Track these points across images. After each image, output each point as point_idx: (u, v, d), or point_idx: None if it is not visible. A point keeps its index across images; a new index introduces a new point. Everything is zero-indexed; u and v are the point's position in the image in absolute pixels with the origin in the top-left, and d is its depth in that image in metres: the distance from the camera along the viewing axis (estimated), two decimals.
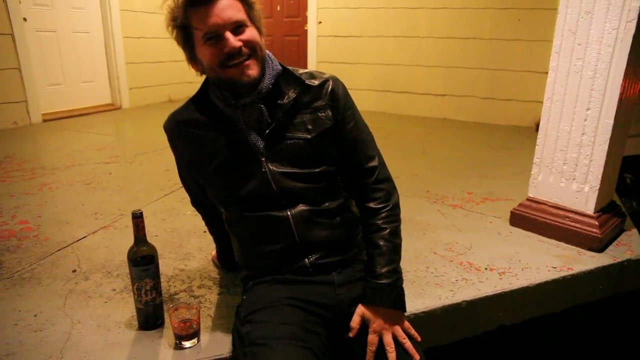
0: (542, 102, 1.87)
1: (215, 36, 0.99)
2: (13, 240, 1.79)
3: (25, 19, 3.88)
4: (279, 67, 1.11)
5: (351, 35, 4.79)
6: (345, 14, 4.77)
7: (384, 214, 1.13)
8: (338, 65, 4.83)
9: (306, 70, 1.15)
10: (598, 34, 1.64)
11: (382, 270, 1.07)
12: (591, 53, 1.67)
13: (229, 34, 0.98)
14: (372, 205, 1.14)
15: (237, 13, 1.00)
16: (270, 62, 1.09)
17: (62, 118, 4.22)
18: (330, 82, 1.13)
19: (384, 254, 1.09)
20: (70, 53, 4.40)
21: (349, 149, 1.14)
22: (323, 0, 4.83)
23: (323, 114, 1.11)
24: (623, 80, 1.62)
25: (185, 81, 5.61)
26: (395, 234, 1.13)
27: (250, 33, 1.02)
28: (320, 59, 5.00)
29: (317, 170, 1.10)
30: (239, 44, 0.99)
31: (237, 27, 1.00)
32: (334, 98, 1.12)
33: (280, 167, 1.09)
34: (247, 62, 1.01)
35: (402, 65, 4.60)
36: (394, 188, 1.19)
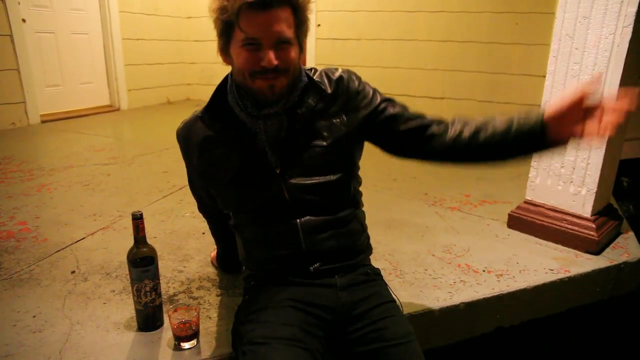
0: (540, 106, 1.88)
1: (257, 44, 0.95)
2: (11, 242, 1.79)
3: (24, 20, 3.88)
4: (306, 80, 1.08)
5: (350, 38, 4.80)
6: (343, 17, 4.78)
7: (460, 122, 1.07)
8: None
9: (320, 70, 1.12)
10: (595, 38, 1.66)
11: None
12: (588, 57, 1.69)
13: (270, 52, 0.95)
14: (455, 132, 1.06)
15: (287, 29, 0.96)
16: (300, 76, 1.07)
17: (60, 119, 4.21)
18: (344, 82, 1.10)
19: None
20: (69, 54, 4.39)
21: (392, 126, 1.09)
22: (322, 3, 4.84)
23: (337, 120, 1.08)
24: (619, 84, 1.63)
25: (184, 83, 5.63)
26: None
27: (291, 52, 0.98)
28: (318, 61, 5.01)
29: (332, 178, 1.08)
30: (276, 63, 0.96)
31: (281, 43, 0.96)
32: (349, 99, 1.09)
33: (295, 177, 1.07)
34: (278, 78, 0.98)
35: (401, 68, 4.62)
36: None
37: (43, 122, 4.07)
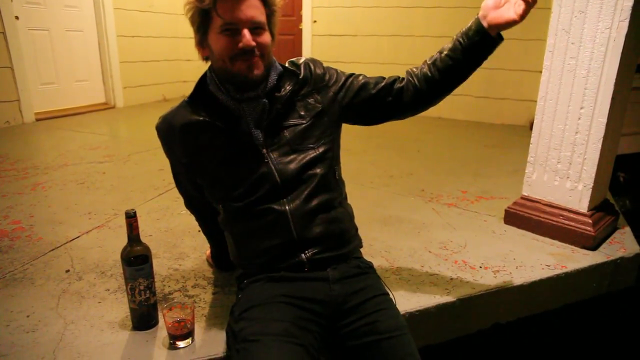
0: (536, 101, 1.88)
1: (234, 29, 1.03)
2: (5, 241, 1.77)
3: (17, 17, 3.85)
4: (280, 68, 1.17)
5: (346, 34, 4.79)
6: (340, 13, 4.77)
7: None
8: (333, 64, 4.74)
9: (287, 61, 1.21)
10: (591, 33, 1.65)
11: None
12: (584, 52, 1.68)
13: (246, 32, 1.03)
14: (413, 73, 1.21)
15: (260, 15, 1.05)
16: (274, 63, 1.16)
17: (55, 117, 4.19)
18: (310, 67, 1.20)
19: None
20: (64, 52, 4.37)
21: (364, 94, 1.20)
22: None
23: (311, 99, 1.18)
24: (616, 79, 1.63)
25: (179, 80, 5.60)
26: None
27: (265, 37, 1.07)
28: (315, 58, 5.00)
29: (316, 153, 1.15)
30: (254, 43, 1.04)
31: (255, 28, 1.04)
32: (317, 80, 1.19)
33: (281, 155, 1.13)
34: (256, 60, 1.06)
35: (398, 64, 4.61)
36: None
37: (37, 120, 4.05)
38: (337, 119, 1.22)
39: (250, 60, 1.05)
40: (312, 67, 1.20)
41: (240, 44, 1.03)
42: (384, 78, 1.22)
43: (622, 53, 1.60)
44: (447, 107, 4.47)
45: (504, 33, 1.11)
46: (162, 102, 5.36)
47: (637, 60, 1.78)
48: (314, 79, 1.19)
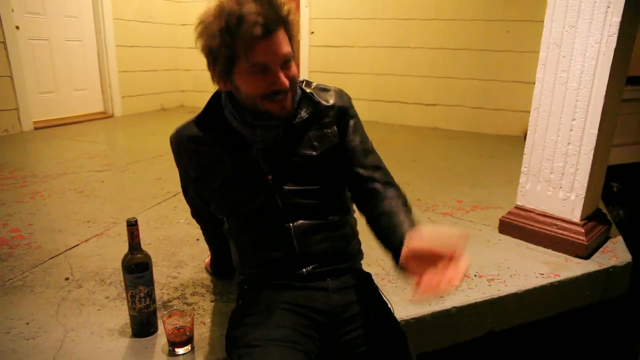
0: (530, 112, 1.91)
1: (265, 70, 0.97)
2: (5, 249, 1.78)
3: (17, 27, 3.88)
4: (300, 92, 1.11)
5: (343, 45, 4.84)
6: (337, 25, 4.82)
7: (394, 193, 1.10)
8: (330, 75, 4.88)
9: (315, 84, 1.16)
10: (582, 47, 1.69)
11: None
12: (575, 65, 1.72)
13: (280, 71, 0.97)
14: (383, 192, 1.10)
15: (289, 48, 0.99)
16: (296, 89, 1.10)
17: (54, 126, 4.21)
18: (336, 97, 1.14)
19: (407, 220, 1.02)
20: (63, 61, 4.40)
21: (355, 156, 1.13)
22: (315, 10, 4.89)
23: (329, 131, 1.11)
24: (606, 91, 1.67)
25: (177, 90, 5.64)
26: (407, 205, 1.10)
27: (294, 69, 1.02)
28: (312, 68, 5.04)
29: (323, 187, 1.11)
30: (288, 82, 0.98)
31: (286, 62, 0.99)
32: (341, 114, 1.13)
33: (286, 184, 1.09)
34: (288, 98, 1.02)
35: (394, 75, 4.66)
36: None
37: (36, 128, 4.06)
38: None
39: (283, 101, 1.00)
40: (339, 98, 1.14)
41: (275, 86, 0.97)
42: (378, 173, 1.13)
43: (612, 66, 1.64)
44: (443, 117, 4.55)
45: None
46: (160, 111, 5.39)
47: (627, 72, 1.83)
48: (338, 111, 1.13)
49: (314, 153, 1.10)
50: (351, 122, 1.15)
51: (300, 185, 1.10)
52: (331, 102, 1.13)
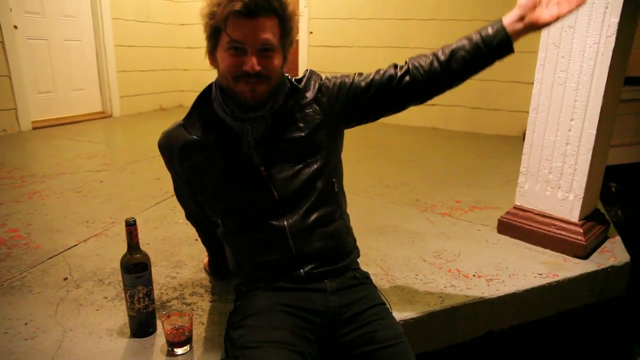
0: (528, 112, 1.92)
1: (241, 49, 1.00)
2: (3, 249, 1.78)
3: (15, 27, 3.87)
4: (289, 85, 1.14)
5: (342, 45, 4.84)
6: (336, 25, 4.83)
7: (422, 55, 1.17)
8: (329, 75, 4.87)
9: (294, 79, 1.18)
10: (580, 47, 1.70)
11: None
12: (574, 66, 1.73)
13: (253, 55, 0.99)
14: (420, 67, 1.16)
15: (272, 37, 1.00)
16: (284, 82, 1.13)
17: (52, 126, 4.20)
18: (311, 78, 1.17)
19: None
20: (61, 61, 4.39)
21: (378, 86, 1.15)
22: (314, 10, 4.89)
23: (310, 110, 1.14)
24: (604, 91, 1.67)
25: (176, 89, 5.63)
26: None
27: (274, 60, 1.03)
28: (311, 68, 5.04)
29: (314, 167, 1.12)
30: (258, 69, 1.00)
31: (265, 50, 1.01)
32: (319, 91, 1.15)
33: (279, 171, 1.11)
34: (259, 84, 1.03)
35: None
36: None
37: (34, 128, 4.06)
38: (337, 127, 1.19)
39: (253, 84, 1.02)
40: (313, 78, 1.18)
41: (245, 67, 1.00)
42: (383, 71, 1.17)
43: (610, 66, 1.65)
44: (442, 117, 4.55)
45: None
46: (159, 111, 5.38)
47: (625, 73, 1.83)
48: (314, 90, 1.16)
49: (302, 134, 1.12)
50: (336, 87, 1.16)
51: (291, 168, 1.11)
52: (305, 84, 1.15)
